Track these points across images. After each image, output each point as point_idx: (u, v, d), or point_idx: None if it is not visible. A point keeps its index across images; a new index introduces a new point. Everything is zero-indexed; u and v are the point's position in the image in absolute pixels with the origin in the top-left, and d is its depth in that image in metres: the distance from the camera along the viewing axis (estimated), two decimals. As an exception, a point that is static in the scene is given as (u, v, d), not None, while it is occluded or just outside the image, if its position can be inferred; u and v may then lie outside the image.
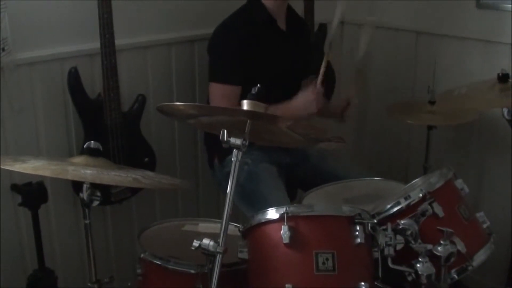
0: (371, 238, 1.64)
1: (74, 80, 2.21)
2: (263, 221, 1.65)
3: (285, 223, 1.59)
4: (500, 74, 2.29)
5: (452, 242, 1.65)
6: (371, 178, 2.25)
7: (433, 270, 1.64)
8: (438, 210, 1.71)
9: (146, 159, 2.43)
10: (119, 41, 2.23)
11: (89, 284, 1.87)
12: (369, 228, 1.63)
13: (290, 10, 2.44)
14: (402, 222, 1.69)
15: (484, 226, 1.84)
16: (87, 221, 1.80)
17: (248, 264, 1.67)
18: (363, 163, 3.21)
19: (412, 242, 1.67)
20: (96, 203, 1.78)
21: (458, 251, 1.65)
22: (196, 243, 1.57)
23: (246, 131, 1.57)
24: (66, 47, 2.26)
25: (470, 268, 1.72)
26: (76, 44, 2.28)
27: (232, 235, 1.70)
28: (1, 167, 1.63)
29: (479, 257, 1.75)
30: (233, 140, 1.55)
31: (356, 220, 1.63)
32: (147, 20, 2.47)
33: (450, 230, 1.65)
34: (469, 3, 2.69)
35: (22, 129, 2.22)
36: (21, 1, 2.10)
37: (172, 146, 2.69)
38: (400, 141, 3.10)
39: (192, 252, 1.57)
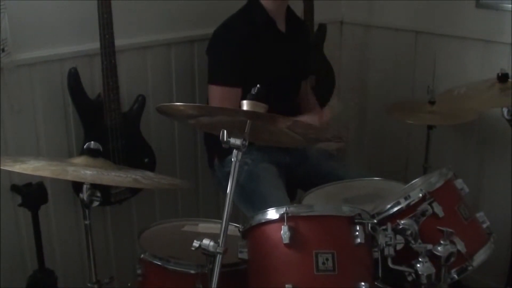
0: (371, 238, 1.64)
1: (74, 81, 2.21)
2: (263, 221, 1.65)
3: (285, 223, 1.59)
4: (500, 74, 2.29)
5: (452, 242, 1.65)
6: (371, 178, 2.25)
7: (433, 270, 1.64)
8: (438, 210, 1.71)
9: (146, 160, 2.43)
10: (118, 42, 2.23)
11: (89, 285, 1.86)
12: (369, 228, 1.63)
13: (289, 11, 2.44)
14: (402, 222, 1.69)
15: (484, 226, 1.84)
16: (87, 222, 1.80)
17: (248, 264, 1.68)
18: (363, 163, 3.22)
19: (412, 242, 1.67)
20: (96, 203, 1.78)
21: (458, 251, 1.65)
22: (196, 243, 1.57)
23: (246, 131, 1.57)
24: (66, 47, 2.26)
25: (470, 268, 1.72)
26: (76, 45, 2.28)
27: (232, 235, 1.70)
28: (1, 167, 1.63)
29: (479, 257, 1.75)
30: (233, 140, 1.55)
31: (356, 220, 1.63)
32: (147, 21, 2.47)
33: (450, 230, 1.65)
34: (469, 3, 2.69)
35: (22, 129, 2.22)
36: (21, 1, 2.10)
37: (172, 146, 2.69)
38: (400, 141, 3.10)
39: (192, 252, 1.57)
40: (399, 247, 1.64)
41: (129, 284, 1.95)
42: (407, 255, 1.65)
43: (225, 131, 1.55)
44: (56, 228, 2.38)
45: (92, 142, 1.77)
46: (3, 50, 2.04)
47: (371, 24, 3.13)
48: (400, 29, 3.00)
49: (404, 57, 3.02)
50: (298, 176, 2.42)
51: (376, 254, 1.64)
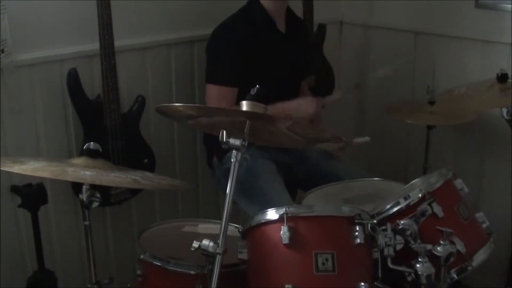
0: (370, 239, 1.64)
1: (73, 81, 2.21)
2: (262, 221, 1.65)
3: (284, 224, 1.59)
4: (499, 74, 2.29)
5: (452, 242, 1.65)
6: (371, 179, 2.25)
7: (432, 270, 1.64)
8: (438, 210, 1.71)
9: (146, 160, 2.43)
10: (118, 42, 2.23)
11: (89, 285, 1.87)
12: (369, 228, 1.63)
13: (289, 11, 2.44)
14: (401, 222, 1.70)
15: (484, 226, 1.84)
16: (86, 223, 1.80)
17: (248, 265, 1.68)
18: (362, 163, 3.22)
19: (412, 242, 1.67)
20: (95, 204, 1.78)
21: (458, 251, 1.65)
22: (195, 244, 1.57)
23: (245, 132, 1.57)
24: (65, 48, 2.26)
25: (469, 268, 1.72)
26: (76, 45, 2.28)
27: (232, 235, 1.70)
28: (1, 168, 1.63)
29: (479, 257, 1.75)
30: (232, 140, 1.55)
31: (356, 221, 1.63)
32: (147, 21, 2.47)
33: (450, 230, 1.65)
34: (468, 3, 2.69)
35: (22, 130, 2.22)
36: (20, 2, 2.10)
37: (172, 147, 2.69)
38: (400, 141, 3.10)
39: (192, 253, 1.57)
40: (398, 247, 1.64)
41: (129, 285, 1.95)
42: (406, 255, 1.65)
43: (224, 132, 1.55)
44: (56, 229, 2.38)
45: (91, 142, 1.77)
46: (3, 50, 2.04)
47: (370, 24, 3.13)
48: (399, 29, 3.00)
49: (403, 57, 3.02)
50: (297, 176, 2.42)
51: (376, 254, 1.64)
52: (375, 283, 1.63)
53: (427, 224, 1.70)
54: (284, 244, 1.57)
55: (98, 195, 1.77)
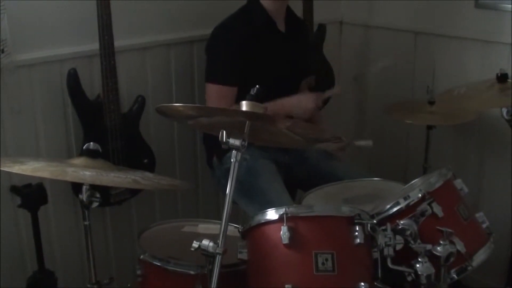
0: (370, 239, 1.64)
1: (73, 82, 2.21)
2: (262, 221, 1.65)
3: (284, 224, 1.59)
4: (499, 74, 2.29)
5: (452, 242, 1.65)
6: (371, 179, 2.25)
7: (432, 270, 1.64)
8: (438, 210, 1.71)
9: (146, 160, 2.43)
10: (118, 42, 2.23)
11: (88, 285, 1.87)
12: (369, 228, 1.63)
13: (289, 11, 2.44)
14: (401, 222, 1.70)
15: (484, 226, 1.84)
16: (86, 223, 1.80)
17: (248, 265, 1.68)
18: (362, 163, 3.22)
19: (412, 242, 1.67)
20: (95, 204, 1.78)
21: (458, 251, 1.65)
22: (195, 244, 1.57)
23: (245, 132, 1.57)
24: (65, 48, 2.26)
25: (469, 268, 1.72)
26: (75, 46, 2.28)
27: (232, 236, 1.70)
28: (1, 168, 1.63)
29: (479, 257, 1.75)
30: (232, 141, 1.55)
31: (356, 221, 1.63)
32: (146, 21, 2.47)
33: (450, 230, 1.65)
34: (468, 3, 2.69)
35: (22, 130, 2.22)
36: (20, 2, 2.10)
37: (172, 147, 2.69)
38: (400, 141, 3.10)
39: (191, 253, 1.57)
40: (398, 247, 1.64)
41: (128, 285, 1.95)
42: (406, 255, 1.65)
43: (224, 132, 1.55)
44: (55, 229, 2.38)
45: (91, 143, 1.77)
46: (2, 51, 2.04)
47: (370, 24, 3.13)
48: (399, 29, 3.00)
49: (403, 57, 3.02)
50: (297, 176, 2.42)
51: (376, 254, 1.64)
52: (375, 283, 1.63)
53: (427, 224, 1.70)
54: (284, 244, 1.57)
55: (98, 195, 1.77)
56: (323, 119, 2.62)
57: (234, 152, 1.57)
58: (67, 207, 2.37)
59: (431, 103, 2.50)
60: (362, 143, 2.35)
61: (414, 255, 1.65)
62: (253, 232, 1.67)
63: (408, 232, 1.67)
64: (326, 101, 2.36)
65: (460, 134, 2.85)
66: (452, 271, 1.71)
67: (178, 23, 2.57)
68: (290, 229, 1.58)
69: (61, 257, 2.41)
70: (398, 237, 1.65)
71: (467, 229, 1.77)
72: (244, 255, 1.66)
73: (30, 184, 2.13)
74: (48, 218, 2.33)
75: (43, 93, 2.24)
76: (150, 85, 2.54)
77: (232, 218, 1.61)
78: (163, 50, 2.56)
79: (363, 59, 3.22)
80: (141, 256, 1.84)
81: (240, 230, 1.72)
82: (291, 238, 1.57)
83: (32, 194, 2.12)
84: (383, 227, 1.66)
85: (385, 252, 1.63)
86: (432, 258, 1.64)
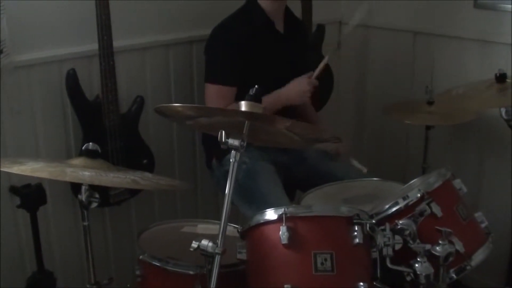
0: (369, 239, 1.64)
1: (72, 82, 2.21)
2: (261, 221, 1.65)
3: (283, 224, 1.59)
4: (498, 74, 2.29)
5: (451, 242, 1.65)
6: (370, 179, 2.25)
7: (431, 270, 1.64)
8: (436, 210, 1.71)
9: (145, 161, 2.43)
10: (117, 43, 2.23)
11: (88, 286, 1.86)
12: (368, 228, 1.63)
13: (288, 11, 2.44)
14: (400, 222, 1.70)
15: (483, 225, 1.84)
16: (85, 223, 1.80)
17: (247, 265, 1.68)
18: (361, 163, 3.21)
19: (411, 242, 1.67)
20: (94, 204, 1.78)
21: (457, 250, 1.66)
22: (194, 244, 1.57)
23: (244, 132, 1.57)
24: (64, 49, 2.26)
25: (468, 267, 1.72)
26: (74, 46, 2.28)
27: (231, 236, 1.71)
28: (0, 169, 1.63)
29: (478, 257, 1.75)
30: (231, 141, 1.55)
31: (355, 221, 1.63)
32: (145, 22, 2.47)
33: (449, 230, 1.65)
34: (467, 3, 2.69)
35: (21, 131, 2.22)
36: (19, 1, 2.10)
37: (171, 147, 2.69)
38: (399, 141, 3.11)
39: (191, 253, 1.57)
40: (397, 247, 1.64)
41: (128, 285, 1.95)
42: (405, 255, 1.66)
43: (223, 132, 1.55)
44: (55, 229, 2.38)
45: (90, 143, 1.77)
46: (2, 51, 2.03)
47: (370, 24, 3.13)
48: (398, 29, 3.00)
49: (402, 57, 3.02)
50: (296, 176, 2.42)
51: (375, 254, 1.64)
52: (374, 283, 1.63)
53: (426, 224, 1.70)
54: (283, 244, 1.57)
55: (97, 195, 1.77)
56: (322, 119, 2.61)
57: (233, 152, 1.57)
58: (66, 207, 2.37)
59: (430, 103, 2.50)
60: (357, 164, 2.33)
61: (413, 255, 1.65)
62: (252, 232, 1.67)
63: (407, 232, 1.68)
64: (319, 77, 2.34)
65: (459, 134, 2.85)
66: (451, 270, 1.71)
67: (177, 24, 2.57)
68: (289, 229, 1.58)
69: (61, 258, 2.41)
70: (397, 237, 1.65)
71: (466, 229, 1.78)
72: (243, 255, 1.66)
73: (29, 185, 2.13)
74: (47, 219, 2.33)
75: (42, 94, 2.24)
76: (149, 86, 2.54)
77: (231, 218, 1.61)
78: (162, 51, 2.56)
79: (362, 59, 3.22)
80: (141, 257, 1.84)
81: (239, 230, 1.72)
82: (290, 238, 1.57)
83: (31, 195, 2.11)
84: (382, 227, 1.66)
85: (384, 252, 1.63)
86: (431, 258, 1.65)
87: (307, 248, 1.59)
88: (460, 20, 2.75)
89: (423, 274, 1.63)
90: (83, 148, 1.78)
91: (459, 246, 1.66)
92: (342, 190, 2.15)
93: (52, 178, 1.67)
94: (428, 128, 2.60)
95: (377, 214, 1.73)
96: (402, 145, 3.09)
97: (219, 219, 1.58)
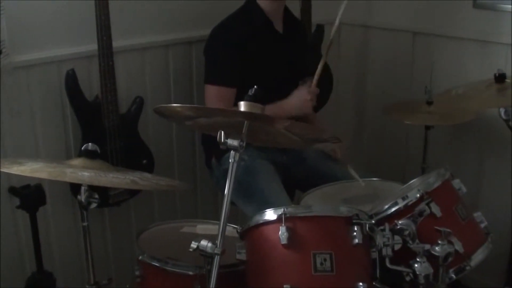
0: (369, 239, 1.65)
1: (71, 82, 2.21)
2: (261, 222, 1.65)
3: (283, 224, 1.59)
4: (497, 74, 2.29)
5: (450, 242, 1.65)
6: (369, 179, 2.25)
7: (431, 270, 1.64)
8: (436, 210, 1.71)
9: (144, 161, 2.43)
10: (116, 43, 2.23)
11: (87, 286, 1.86)
12: (367, 228, 1.63)
13: (287, 12, 2.44)
14: (400, 222, 1.70)
15: (482, 225, 1.84)
16: (85, 224, 1.80)
17: (247, 265, 1.68)
18: (361, 163, 3.22)
19: (410, 242, 1.67)
20: (94, 205, 1.78)
21: (456, 251, 1.66)
22: (194, 245, 1.57)
23: (243, 132, 1.57)
24: (63, 49, 2.26)
25: (468, 268, 1.72)
26: (74, 46, 2.28)
27: (230, 236, 1.70)
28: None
29: (477, 257, 1.75)
30: (230, 141, 1.55)
31: (354, 221, 1.63)
32: (145, 22, 2.47)
33: (448, 230, 1.65)
34: (466, 3, 2.69)
35: (20, 131, 2.22)
36: (19, 2, 2.10)
37: (170, 147, 2.69)
38: (398, 141, 3.10)
39: (190, 253, 1.57)
40: (397, 247, 1.64)
41: (127, 286, 1.95)
42: (405, 255, 1.66)
43: (222, 132, 1.55)
44: (54, 230, 2.38)
45: (90, 143, 1.77)
46: (1, 52, 2.03)
47: (369, 24, 3.13)
48: (398, 29, 3.00)
49: (402, 57, 3.02)
50: (296, 176, 2.42)
51: (374, 254, 1.64)
52: (374, 283, 1.63)
53: (425, 224, 1.70)
54: (283, 245, 1.57)
55: (96, 196, 1.77)
56: (322, 119, 2.61)
57: (232, 152, 1.57)
58: (66, 208, 2.37)
59: (429, 103, 2.50)
60: (354, 174, 2.30)
61: (413, 255, 1.65)
62: (252, 232, 1.67)
63: (406, 232, 1.68)
64: (319, 80, 2.33)
65: (458, 134, 2.85)
66: (451, 271, 1.71)
67: (177, 24, 2.57)
68: (288, 229, 1.58)
69: (60, 258, 2.41)
70: (397, 237, 1.65)
71: (465, 229, 1.78)
72: (242, 256, 1.66)
73: (28, 185, 2.13)
74: (46, 219, 2.33)
75: (41, 94, 2.24)
76: (148, 86, 2.54)
77: (230, 219, 1.61)
78: (161, 51, 2.56)
79: (362, 60, 3.22)
80: (140, 257, 1.84)
81: (238, 230, 1.72)
82: (289, 238, 1.57)
83: (30, 195, 2.12)
84: (382, 227, 1.66)
85: (384, 252, 1.63)
86: (431, 258, 1.65)
87: (307, 248, 1.59)
88: (460, 20, 2.75)
89: (423, 274, 1.63)
90: (82, 148, 1.78)
91: (458, 246, 1.66)
92: (341, 190, 2.15)
93: (52, 179, 1.67)
94: (427, 128, 2.60)
95: (377, 214, 1.73)
96: (401, 145, 3.09)
97: (219, 219, 1.58)
